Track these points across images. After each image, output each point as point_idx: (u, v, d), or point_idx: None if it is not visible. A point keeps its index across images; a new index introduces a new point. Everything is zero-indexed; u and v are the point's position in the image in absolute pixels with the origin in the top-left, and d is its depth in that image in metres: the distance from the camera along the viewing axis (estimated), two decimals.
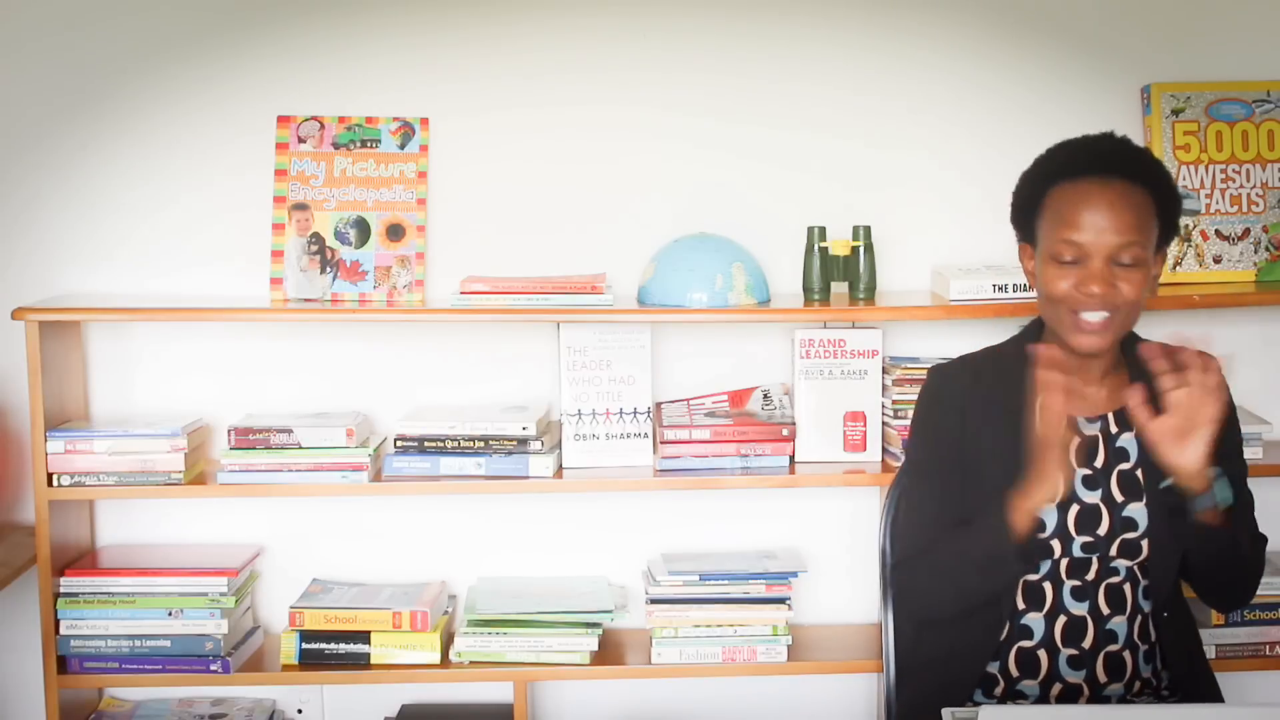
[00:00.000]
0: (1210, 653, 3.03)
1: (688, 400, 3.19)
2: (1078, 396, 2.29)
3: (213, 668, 3.02)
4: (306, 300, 3.12)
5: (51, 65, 3.15)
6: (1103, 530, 2.42)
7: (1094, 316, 2.35)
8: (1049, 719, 2.05)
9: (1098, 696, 2.44)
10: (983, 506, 2.41)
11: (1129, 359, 2.49)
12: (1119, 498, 2.43)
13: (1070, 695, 2.44)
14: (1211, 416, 2.25)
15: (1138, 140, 3.13)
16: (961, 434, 2.47)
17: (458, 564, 3.25)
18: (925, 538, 2.49)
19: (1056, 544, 2.42)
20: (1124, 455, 2.45)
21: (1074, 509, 2.42)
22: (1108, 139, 2.44)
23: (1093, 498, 2.43)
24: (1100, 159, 2.39)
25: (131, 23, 3.15)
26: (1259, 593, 2.93)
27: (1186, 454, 2.27)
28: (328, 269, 3.13)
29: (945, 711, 2.19)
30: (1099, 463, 2.44)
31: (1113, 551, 2.42)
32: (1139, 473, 2.44)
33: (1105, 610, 2.43)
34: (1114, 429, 2.46)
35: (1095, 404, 2.47)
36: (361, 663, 3.03)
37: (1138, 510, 2.42)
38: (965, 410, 2.48)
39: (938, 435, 2.51)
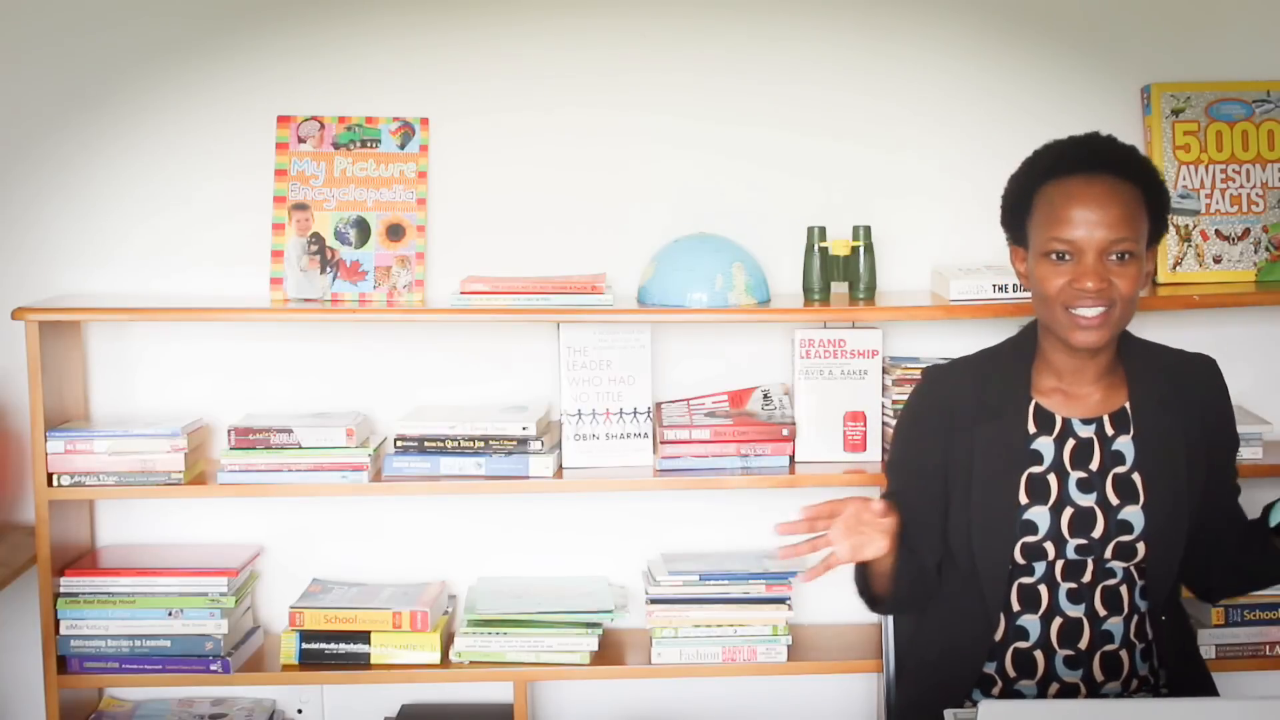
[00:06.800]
0: (1210, 653, 3.03)
1: (688, 400, 3.19)
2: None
3: (213, 668, 3.02)
4: (306, 300, 3.12)
5: (52, 66, 3.15)
6: (1097, 533, 2.42)
7: (1090, 312, 2.35)
8: (1047, 713, 2.06)
9: (1095, 695, 2.44)
10: (966, 510, 2.44)
11: (1126, 361, 2.49)
12: (1114, 501, 2.42)
13: (1068, 694, 2.45)
14: None
15: (1137, 140, 3.17)
16: (950, 433, 2.48)
17: (458, 564, 3.25)
18: None
19: (1050, 546, 2.42)
20: (1120, 458, 2.44)
21: (1067, 512, 2.42)
22: (1094, 138, 2.44)
23: (1087, 501, 2.42)
24: (1086, 157, 2.40)
25: (132, 23, 3.15)
26: (1258, 593, 2.94)
27: None
28: (328, 269, 3.13)
29: (948, 712, 2.20)
30: (1094, 465, 2.44)
31: (1108, 554, 2.42)
32: (1136, 476, 2.43)
33: (1101, 612, 2.43)
34: (1110, 431, 2.45)
35: (1090, 407, 2.47)
36: (361, 663, 3.03)
37: (1133, 513, 2.42)
38: (955, 410, 2.49)
39: (919, 437, 2.54)
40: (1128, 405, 2.46)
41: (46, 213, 3.18)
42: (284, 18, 3.16)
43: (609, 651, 3.08)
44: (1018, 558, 2.43)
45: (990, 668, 2.48)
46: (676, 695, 3.29)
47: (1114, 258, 2.34)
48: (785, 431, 3.06)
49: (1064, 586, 2.43)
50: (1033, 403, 2.47)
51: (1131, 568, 2.44)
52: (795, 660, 3.07)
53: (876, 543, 2.33)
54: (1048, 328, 2.44)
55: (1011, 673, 2.46)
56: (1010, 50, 3.20)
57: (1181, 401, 2.46)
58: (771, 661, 3.06)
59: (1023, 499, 2.42)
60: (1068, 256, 2.36)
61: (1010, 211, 2.48)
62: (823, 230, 3.08)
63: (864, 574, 2.47)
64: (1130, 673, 2.45)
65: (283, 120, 3.16)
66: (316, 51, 3.17)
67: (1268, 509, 2.37)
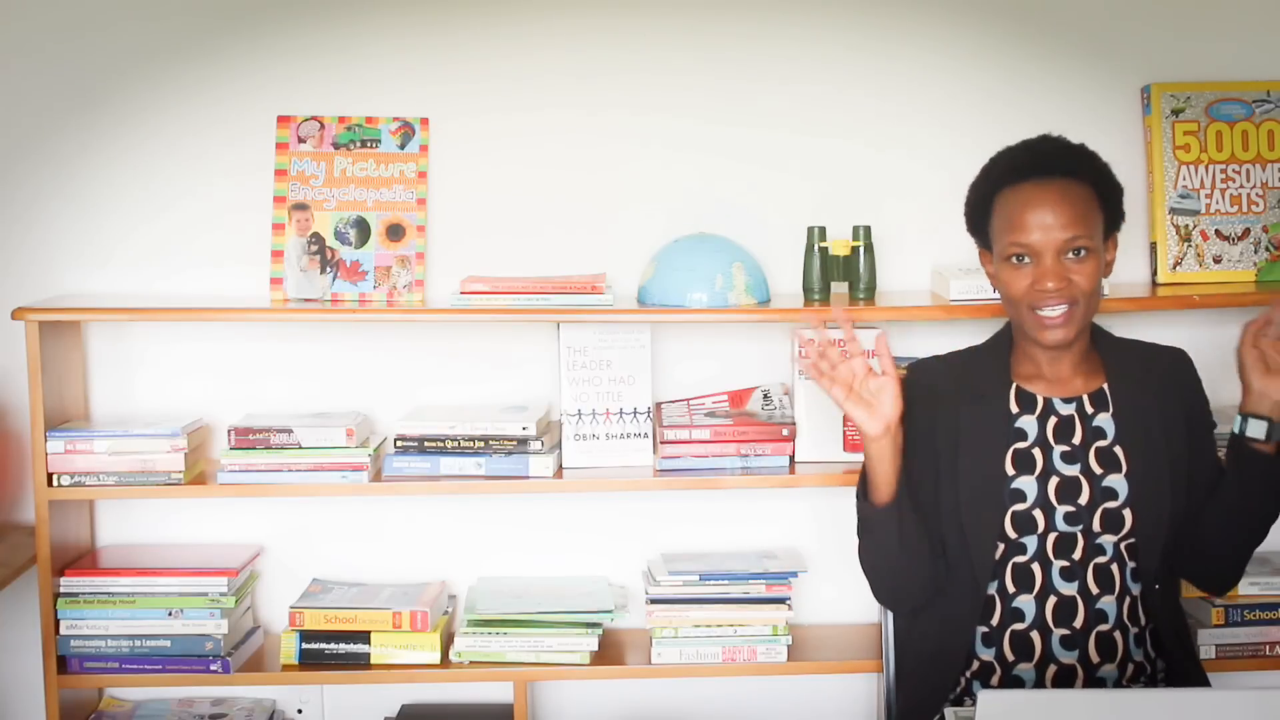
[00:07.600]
0: (1210, 653, 3.04)
1: (688, 400, 3.19)
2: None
3: (213, 668, 3.02)
4: (306, 300, 3.12)
5: (52, 66, 3.15)
6: (1083, 499, 2.49)
7: (1054, 311, 2.46)
8: (1045, 702, 2.07)
9: (1091, 678, 2.49)
10: (954, 487, 2.50)
11: (1101, 351, 2.59)
12: (1098, 470, 2.51)
13: (1065, 676, 2.49)
14: None
15: (1137, 140, 3.17)
16: (934, 421, 2.56)
17: (458, 564, 3.25)
18: None
19: (1039, 515, 2.49)
20: (1101, 433, 2.53)
21: (1054, 480, 2.50)
22: (1044, 140, 2.55)
23: (1072, 470, 2.51)
24: (1037, 160, 2.50)
25: (132, 24, 3.15)
26: (1258, 593, 2.95)
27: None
28: (328, 269, 3.13)
29: (948, 710, 2.21)
30: (1076, 440, 2.53)
31: (1096, 525, 2.48)
32: (1117, 449, 2.51)
33: (1094, 590, 2.49)
34: (1090, 409, 2.54)
35: (1071, 388, 2.56)
36: (361, 663, 3.03)
37: (1117, 480, 2.49)
38: (939, 395, 2.58)
39: (908, 421, 2.56)
40: (1105, 386, 2.56)
41: (46, 213, 3.18)
42: (284, 18, 3.16)
43: (609, 651, 3.08)
44: (1009, 530, 2.48)
45: (989, 654, 2.51)
46: (676, 695, 3.29)
47: (1071, 255, 2.45)
48: (785, 431, 3.06)
49: (1056, 564, 2.49)
50: (1014, 386, 2.57)
51: (1121, 545, 2.49)
52: (795, 660, 3.07)
53: (886, 397, 2.42)
54: (1018, 327, 2.55)
55: (1010, 656, 2.50)
56: (1010, 50, 3.20)
57: (1157, 385, 2.56)
58: (771, 661, 3.06)
59: (1009, 470, 2.51)
60: (1027, 259, 2.46)
61: (972, 218, 2.60)
62: (823, 230, 3.08)
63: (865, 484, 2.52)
64: (1125, 656, 2.49)
65: (283, 120, 3.16)
66: (316, 51, 3.17)
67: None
